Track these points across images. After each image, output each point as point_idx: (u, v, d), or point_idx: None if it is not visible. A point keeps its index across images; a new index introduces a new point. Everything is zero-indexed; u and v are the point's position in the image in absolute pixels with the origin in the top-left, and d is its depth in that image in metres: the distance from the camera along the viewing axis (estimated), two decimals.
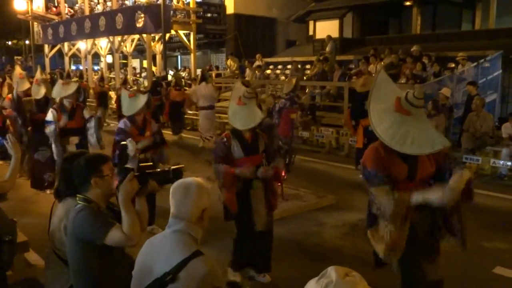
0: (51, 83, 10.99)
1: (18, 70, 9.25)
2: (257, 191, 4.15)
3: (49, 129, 6.40)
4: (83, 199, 2.57)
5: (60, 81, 7.17)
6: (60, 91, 6.68)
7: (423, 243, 3.05)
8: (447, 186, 2.74)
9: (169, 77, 17.24)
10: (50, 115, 6.47)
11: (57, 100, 6.73)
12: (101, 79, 16.60)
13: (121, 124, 5.31)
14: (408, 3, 16.65)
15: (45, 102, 7.34)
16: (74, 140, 6.55)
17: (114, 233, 2.43)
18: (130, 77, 20.27)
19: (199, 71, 18.70)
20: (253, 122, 4.14)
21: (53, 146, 6.50)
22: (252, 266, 4.35)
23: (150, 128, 5.40)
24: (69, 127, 6.48)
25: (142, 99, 5.30)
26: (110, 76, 18.96)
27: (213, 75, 17.56)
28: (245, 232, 4.15)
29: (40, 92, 7.31)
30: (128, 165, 3.06)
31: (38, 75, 7.76)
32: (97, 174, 2.58)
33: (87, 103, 16.84)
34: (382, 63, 12.68)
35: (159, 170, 2.61)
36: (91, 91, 17.81)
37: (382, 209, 2.91)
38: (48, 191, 7.15)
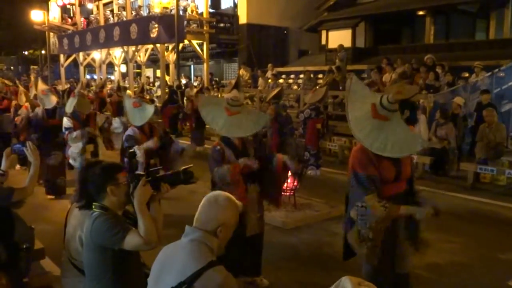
0: (69, 92, 11.08)
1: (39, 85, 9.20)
2: (252, 195, 4.18)
3: (72, 136, 6.38)
4: (99, 206, 2.60)
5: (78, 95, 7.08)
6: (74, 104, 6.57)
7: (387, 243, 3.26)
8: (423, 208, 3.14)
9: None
10: (67, 122, 6.49)
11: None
12: (118, 88, 16.69)
13: (130, 131, 5.48)
14: (421, 13, 16.58)
15: (54, 108, 7.39)
16: (90, 148, 6.57)
17: (132, 237, 2.46)
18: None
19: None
20: (258, 125, 4.18)
21: (79, 157, 6.51)
22: (243, 273, 4.28)
23: (157, 133, 5.54)
24: None
25: (150, 109, 5.46)
26: (124, 85, 19.16)
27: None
28: (232, 238, 4.10)
29: (51, 101, 7.31)
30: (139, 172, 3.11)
31: (43, 86, 7.76)
32: (112, 182, 2.60)
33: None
34: (395, 72, 12.63)
35: (169, 172, 2.64)
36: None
37: (367, 217, 3.05)
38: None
